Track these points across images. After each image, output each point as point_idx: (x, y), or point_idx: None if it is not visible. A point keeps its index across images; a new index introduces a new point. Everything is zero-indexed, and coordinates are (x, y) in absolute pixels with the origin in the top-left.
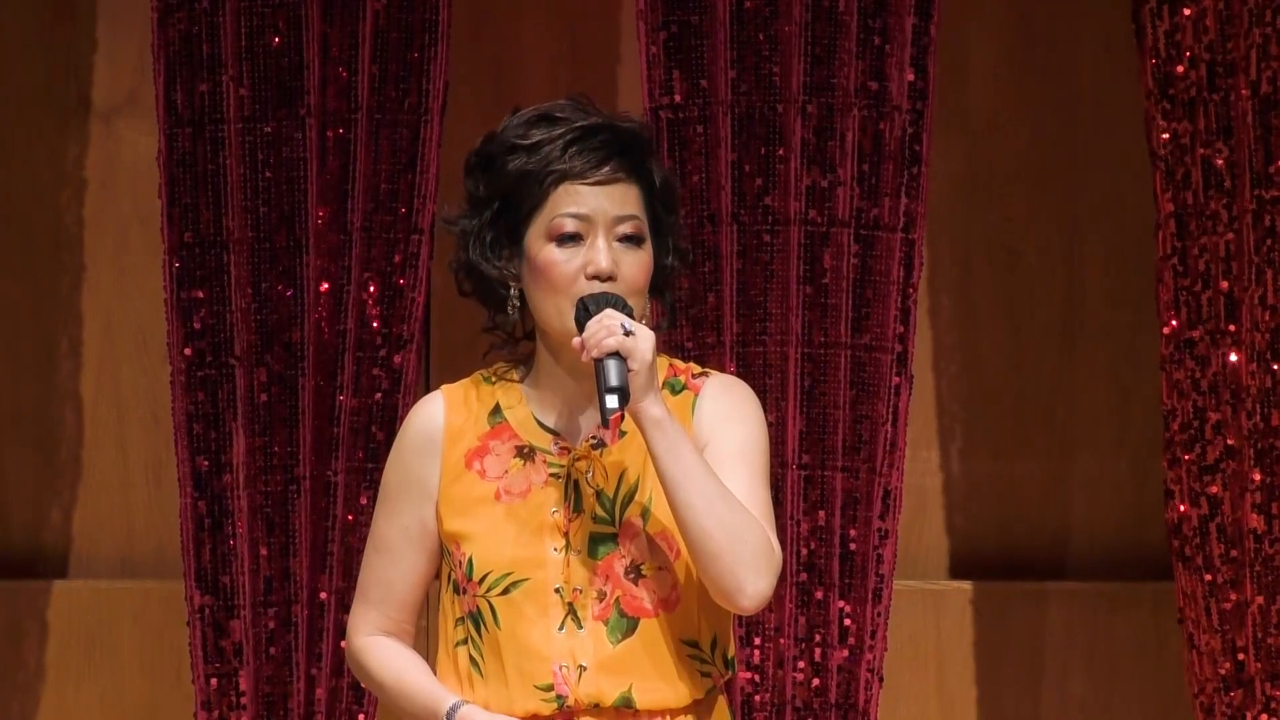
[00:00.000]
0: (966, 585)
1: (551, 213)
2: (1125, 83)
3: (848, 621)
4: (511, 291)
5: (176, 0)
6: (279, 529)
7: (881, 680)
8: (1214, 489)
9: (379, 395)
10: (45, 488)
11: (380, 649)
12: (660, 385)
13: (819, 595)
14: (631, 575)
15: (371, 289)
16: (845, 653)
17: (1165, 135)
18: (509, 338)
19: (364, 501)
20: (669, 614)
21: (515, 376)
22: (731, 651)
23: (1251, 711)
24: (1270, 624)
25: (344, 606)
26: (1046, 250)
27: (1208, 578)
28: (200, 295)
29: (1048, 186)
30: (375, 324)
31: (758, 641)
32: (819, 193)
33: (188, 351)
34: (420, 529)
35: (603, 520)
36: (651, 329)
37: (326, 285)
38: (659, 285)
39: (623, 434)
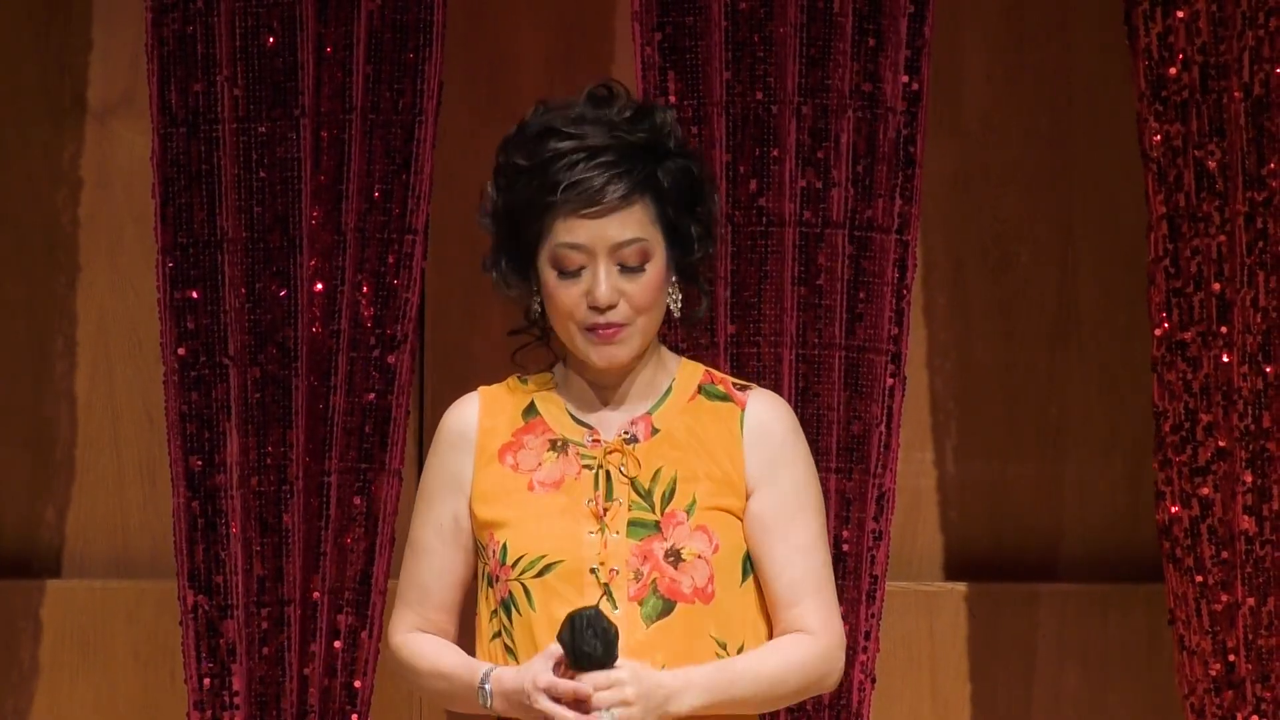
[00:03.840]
0: (960, 586)
1: (553, 243)
2: (1118, 85)
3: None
4: (533, 304)
5: (171, 0)
6: (272, 529)
7: (875, 681)
8: (1205, 490)
9: (373, 395)
10: (39, 487)
11: (415, 642)
12: (695, 392)
13: None
14: (671, 559)
15: (365, 289)
16: None
17: (1158, 137)
18: (541, 334)
19: (357, 502)
20: (704, 605)
21: (551, 374)
22: None
23: (1242, 713)
24: (1261, 625)
25: (336, 607)
26: (1039, 252)
27: (1199, 579)
28: (194, 295)
29: (1041, 188)
30: (369, 324)
31: None
32: (813, 194)
33: (181, 351)
34: (454, 525)
35: (642, 508)
36: (687, 315)
37: (320, 285)
38: (689, 274)
39: (655, 431)
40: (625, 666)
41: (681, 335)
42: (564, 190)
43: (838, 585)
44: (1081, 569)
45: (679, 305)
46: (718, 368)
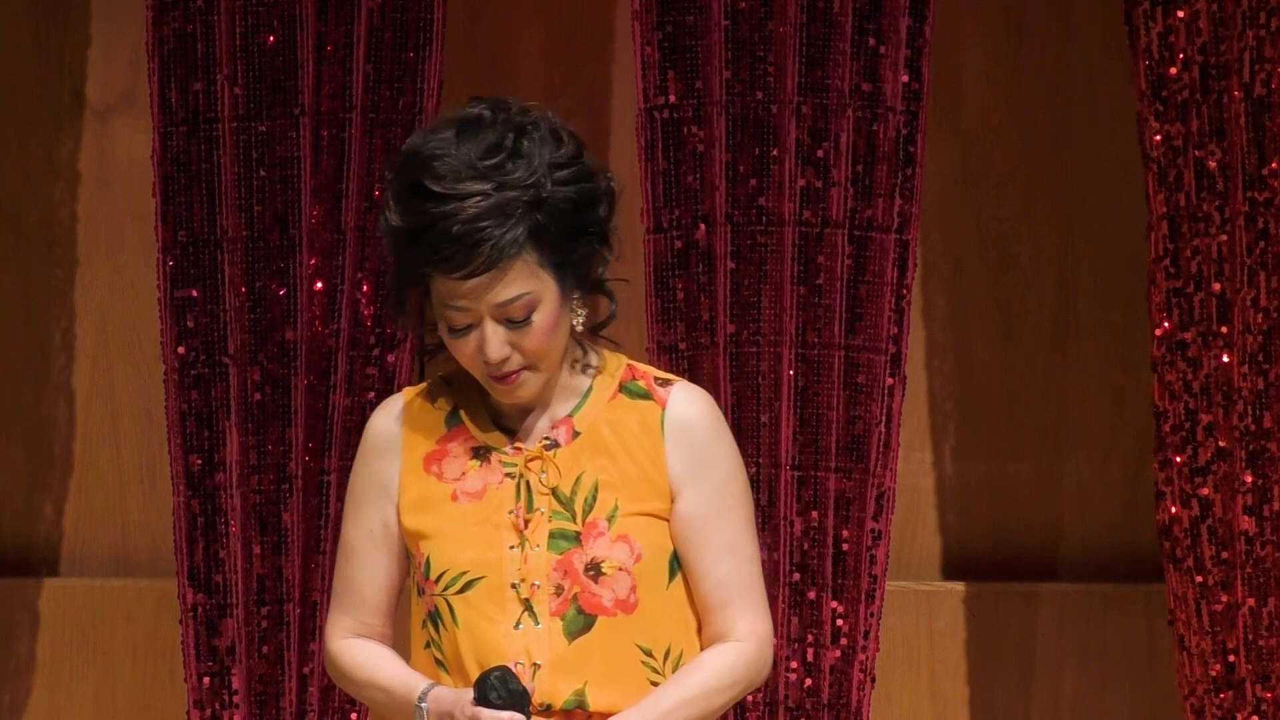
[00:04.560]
0: (959, 586)
1: (439, 302)
2: (1118, 85)
3: (840, 622)
4: (435, 337)
5: None
6: (272, 528)
7: (874, 680)
8: (1205, 491)
9: (372, 394)
10: (38, 485)
11: (352, 650)
12: (616, 390)
13: (811, 595)
14: (591, 572)
15: (365, 288)
16: (838, 653)
17: (1158, 137)
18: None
19: None
20: (627, 616)
21: (474, 379)
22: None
23: (1242, 713)
24: (1261, 626)
25: None
26: (1039, 251)
27: (1199, 579)
28: (194, 294)
29: (1041, 188)
30: (369, 323)
31: None
32: (813, 193)
33: (181, 350)
34: (383, 531)
35: (563, 518)
36: (598, 325)
37: (320, 284)
38: (591, 286)
39: (577, 434)
40: None
41: (681, 334)
42: (438, 261)
43: (837, 584)
44: (1080, 569)
45: (581, 322)
46: (718, 367)
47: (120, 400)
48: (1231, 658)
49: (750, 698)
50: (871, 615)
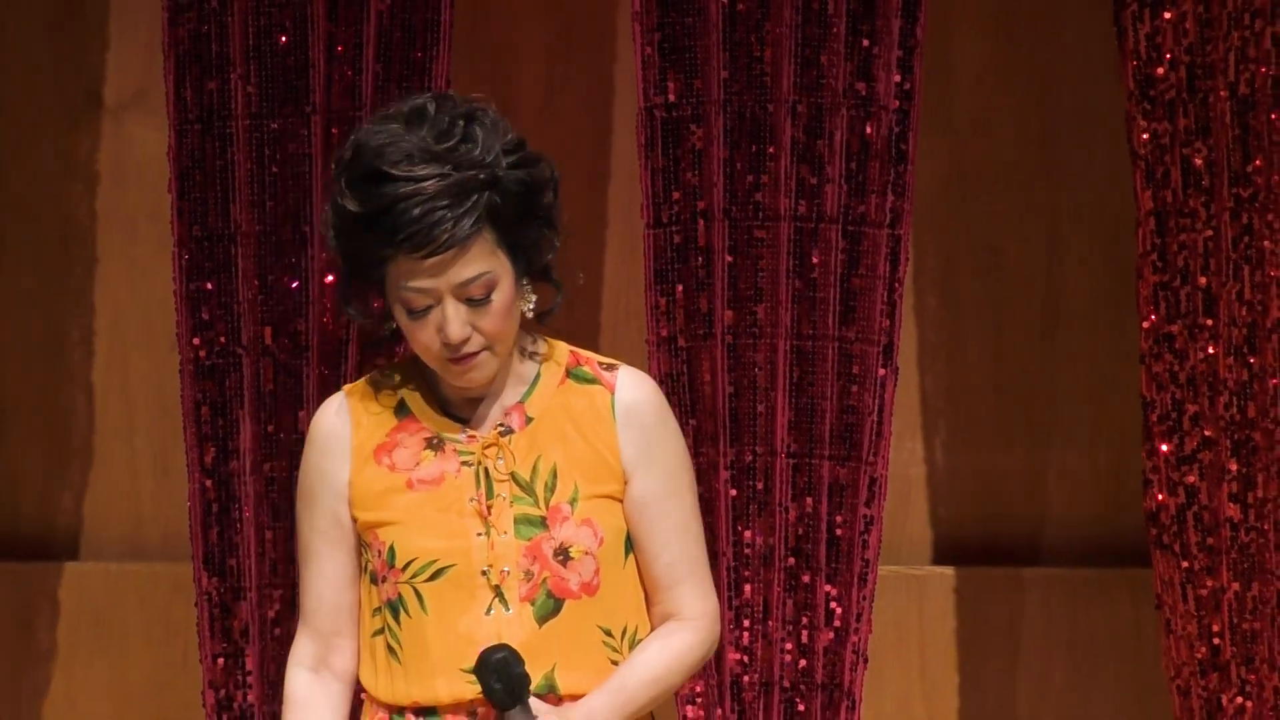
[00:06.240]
0: (949, 570)
1: (396, 284)
2: (1106, 84)
3: (834, 605)
4: (386, 328)
5: (186, 0)
6: (284, 514)
7: (866, 661)
8: (1191, 479)
9: None
10: (56, 473)
11: (293, 687)
12: (564, 376)
13: (806, 579)
14: (560, 557)
15: None
16: (831, 635)
17: (1146, 135)
18: (392, 335)
19: None
20: (590, 598)
21: (417, 369)
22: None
23: (1227, 694)
24: (1245, 610)
25: None
26: (1028, 246)
27: (1185, 564)
28: (209, 287)
29: (1030, 185)
30: (378, 315)
31: (746, 623)
32: (808, 190)
33: (196, 341)
34: (337, 529)
35: (526, 502)
36: (543, 313)
37: (331, 278)
38: (541, 272)
39: (529, 420)
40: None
41: (680, 326)
42: (400, 241)
43: (830, 568)
44: (1067, 555)
45: (531, 308)
46: (716, 359)
47: (135, 392)
48: (1217, 641)
49: (746, 678)
50: (864, 598)
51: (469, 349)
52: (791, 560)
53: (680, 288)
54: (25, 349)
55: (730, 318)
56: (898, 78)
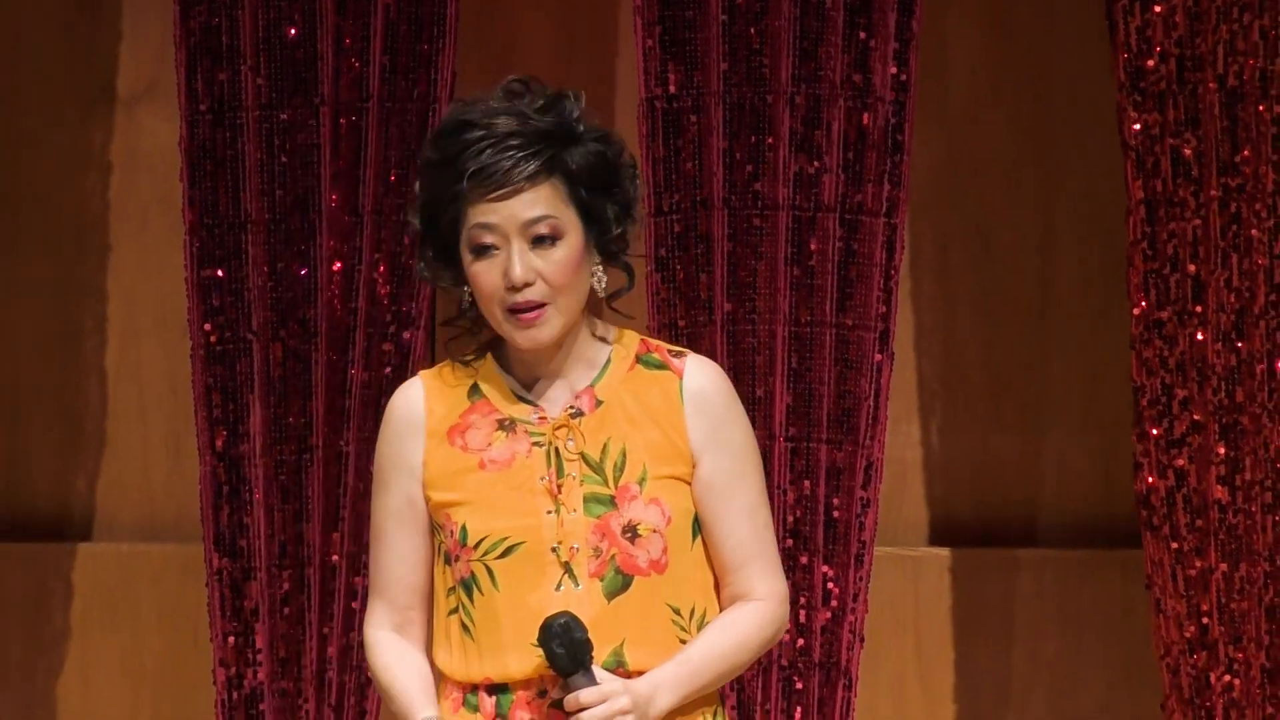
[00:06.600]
0: (944, 552)
1: (468, 226)
2: (1098, 76)
3: (831, 585)
4: (464, 294)
5: None
6: (293, 496)
7: (862, 641)
8: (1181, 462)
9: (388, 370)
10: (71, 456)
11: (381, 649)
12: (634, 362)
13: (804, 560)
14: (629, 534)
15: (381, 269)
16: (828, 614)
17: (1136, 126)
18: (472, 324)
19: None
20: (659, 576)
21: (489, 356)
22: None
23: (1215, 672)
24: (1233, 590)
25: (354, 569)
26: (1021, 235)
27: (1174, 546)
28: (219, 274)
29: (1023, 175)
30: (385, 301)
31: None
32: (806, 179)
33: (207, 327)
34: (411, 510)
35: (595, 482)
36: (613, 294)
37: (339, 265)
38: (610, 254)
39: (599, 403)
40: (610, 681)
41: (680, 313)
42: (471, 176)
43: (827, 549)
44: (1059, 536)
45: (603, 285)
46: (716, 344)
47: (147, 377)
48: (1205, 620)
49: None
50: (860, 579)
51: (532, 296)
52: (790, 542)
53: (681, 274)
54: (40, 335)
55: (729, 304)
56: (894, 70)
